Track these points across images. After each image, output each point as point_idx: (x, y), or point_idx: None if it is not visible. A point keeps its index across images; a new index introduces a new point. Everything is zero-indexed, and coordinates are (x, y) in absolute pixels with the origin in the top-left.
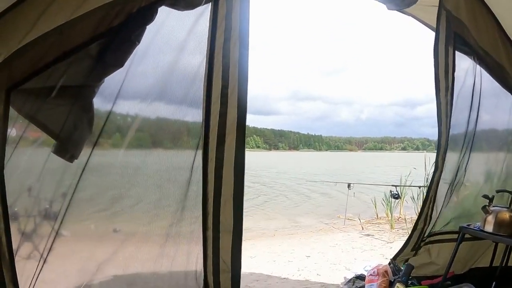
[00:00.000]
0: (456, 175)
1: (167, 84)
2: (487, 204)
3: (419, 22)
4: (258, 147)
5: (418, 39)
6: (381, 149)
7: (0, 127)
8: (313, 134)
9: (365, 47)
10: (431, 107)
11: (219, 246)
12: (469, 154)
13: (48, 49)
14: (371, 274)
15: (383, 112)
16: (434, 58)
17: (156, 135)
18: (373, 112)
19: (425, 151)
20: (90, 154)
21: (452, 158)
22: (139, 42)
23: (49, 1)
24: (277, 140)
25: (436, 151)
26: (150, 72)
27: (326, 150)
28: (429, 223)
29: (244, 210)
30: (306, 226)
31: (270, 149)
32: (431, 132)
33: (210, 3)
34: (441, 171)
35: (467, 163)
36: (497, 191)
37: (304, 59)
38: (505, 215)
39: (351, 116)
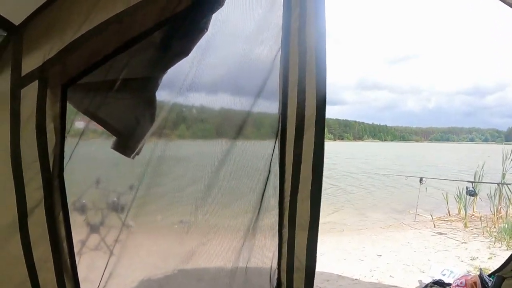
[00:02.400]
0: None
1: (239, 76)
2: None
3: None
4: None
5: (485, 23)
6: (447, 140)
7: (58, 126)
8: (378, 124)
9: (432, 33)
10: (502, 96)
11: (294, 244)
12: None
13: (107, 40)
14: (458, 285)
15: (450, 101)
16: None
17: (233, 126)
18: (440, 101)
19: (493, 142)
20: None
21: None
22: (207, 29)
23: None
24: (341, 130)
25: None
26: (219, 63)
27: (392, 140)
28: None
29: None
30: (375, 221)
31: (335, 139)
32: (501, 122)
33: None
34: None
35: None
36: None
37: (371, 47)
38: None
39: (418, 105)
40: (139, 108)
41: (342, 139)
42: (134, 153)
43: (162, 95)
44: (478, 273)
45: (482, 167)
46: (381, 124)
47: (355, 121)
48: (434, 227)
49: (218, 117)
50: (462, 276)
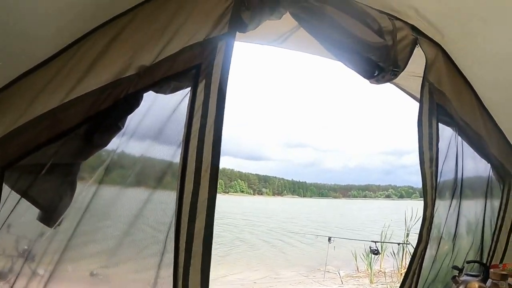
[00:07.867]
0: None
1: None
2: (457, 274)
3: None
4: (242, 191)
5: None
6: (365, 196)
7: None
8: (298, 180)
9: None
10: (417, 155)
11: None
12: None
13: (42, 131)
14: None
15: (371, 161)
16: (418, 129)
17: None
18: (361, 161)
19: (409, 198)
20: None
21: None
22: (123, 126)
23: (44, 84)
24: (261, 185)
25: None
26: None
27: (310, 196)
28: None
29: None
30: (286, 278)
31: (254, 194)
32: (416, 180)
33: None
34: (426, 244)
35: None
36: (467, 262)
37: (298, 108)
38: (474, 285)
39: (339, 163)
40: (63, 188)
41: (261, 194)
42: (52, 222)
43: None
44: None
45: (388, 226)
46: (301, 180)
47: (275, 177)
48: (342, 283)
49: None
50: None
